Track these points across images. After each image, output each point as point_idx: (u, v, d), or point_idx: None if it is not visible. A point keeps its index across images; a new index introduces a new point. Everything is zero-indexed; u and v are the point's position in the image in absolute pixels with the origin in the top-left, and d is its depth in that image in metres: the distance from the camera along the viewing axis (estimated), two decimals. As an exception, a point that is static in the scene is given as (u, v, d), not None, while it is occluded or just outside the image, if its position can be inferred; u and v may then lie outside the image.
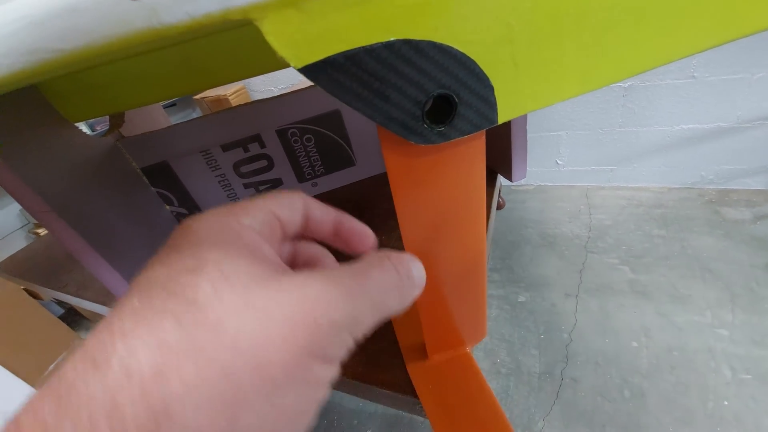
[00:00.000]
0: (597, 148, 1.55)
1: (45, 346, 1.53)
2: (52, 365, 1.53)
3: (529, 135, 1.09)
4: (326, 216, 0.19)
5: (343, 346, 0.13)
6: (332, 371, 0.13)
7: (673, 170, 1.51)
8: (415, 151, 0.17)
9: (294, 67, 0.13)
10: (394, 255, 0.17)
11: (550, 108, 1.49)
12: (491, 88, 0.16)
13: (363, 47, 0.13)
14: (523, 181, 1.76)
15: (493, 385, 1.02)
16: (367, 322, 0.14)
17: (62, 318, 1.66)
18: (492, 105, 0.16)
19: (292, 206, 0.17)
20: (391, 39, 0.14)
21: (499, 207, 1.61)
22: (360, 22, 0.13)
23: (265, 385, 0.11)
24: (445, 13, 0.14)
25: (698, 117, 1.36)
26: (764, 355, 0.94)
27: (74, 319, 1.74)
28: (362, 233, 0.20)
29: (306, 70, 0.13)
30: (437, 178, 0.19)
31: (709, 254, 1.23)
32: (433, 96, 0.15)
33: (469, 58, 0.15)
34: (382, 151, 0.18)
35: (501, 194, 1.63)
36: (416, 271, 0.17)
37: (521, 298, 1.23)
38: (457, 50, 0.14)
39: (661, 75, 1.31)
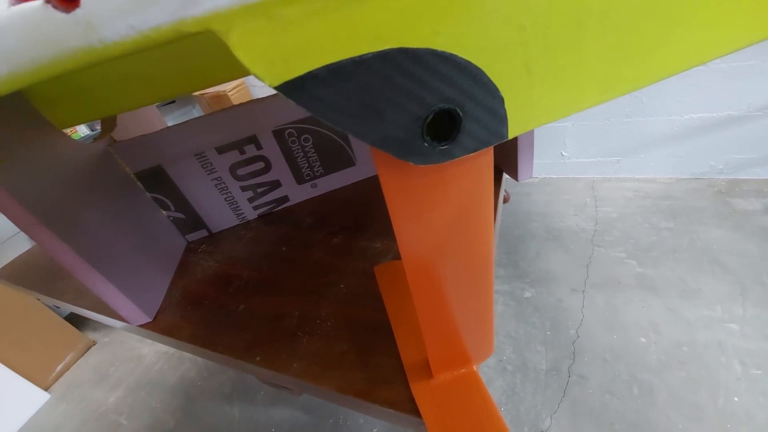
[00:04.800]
0: (603, 138, 1.52)
1: (51, 348, 1.54)
2: (59, 366, 1.54)
3: (533, 128, 1.05)
4: None
5: None
6: None
7: (682, 161, 1.48)
8: (414, 171, 0.15)
9: (269, 86, 0.11)
10: None
11: (555, 99, 1.46)
12: (501, 100, 0.14)
13: (351, 58, 0.11)
14: (527, 174, 1.72)
15: (500, 382, 1.01)
16: None
17: (69, 318, 1.67)
18: (502, 118, 0.14)
19: None
20: (385, 48, 0.12)
21: (504, 201, 1.59)
22: (346, 30, 0.11)
23: None
24: (446, 16, 0.12)
25: (708, 105, 1.32)
26: (777, 351, 0.92)
27: (81, 318, 1.74)
28: None
29: (284, 88, 0.11)
30: (440, 200, 0.17)
31: (718, 246, 1.20)
32: (434, 111, 0.13)
33: (475, 67, 0.13)
34: (377, 171, 0.16)
35: (506, 188, 1.61)
36: None
37: (527, 294, 1.21)
38: (461, 59, 0.12)
39: (670, 62, 1.27)
